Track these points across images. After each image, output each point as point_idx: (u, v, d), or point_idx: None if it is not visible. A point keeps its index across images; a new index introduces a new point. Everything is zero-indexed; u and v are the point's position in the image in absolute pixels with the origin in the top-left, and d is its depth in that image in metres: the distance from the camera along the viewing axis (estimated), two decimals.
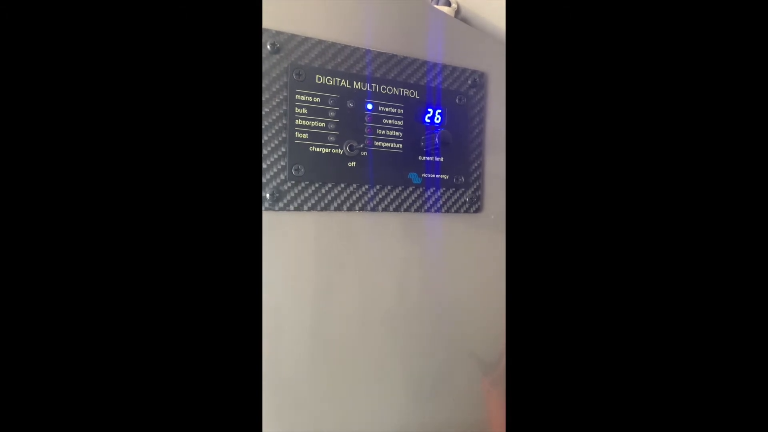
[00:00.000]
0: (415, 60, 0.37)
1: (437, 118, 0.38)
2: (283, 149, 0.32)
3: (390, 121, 0.36)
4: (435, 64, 0.38)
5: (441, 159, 0.38)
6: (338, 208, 0.35)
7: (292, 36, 0.32)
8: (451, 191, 0.39)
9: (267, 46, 0.32)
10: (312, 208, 0.33)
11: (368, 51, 0.35)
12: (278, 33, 0.32)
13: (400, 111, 0.37)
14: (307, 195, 0.33)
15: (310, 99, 0.33)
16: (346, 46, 0.34)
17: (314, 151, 0.33)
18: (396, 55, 0.36)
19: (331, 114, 0.34)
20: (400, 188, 0.37)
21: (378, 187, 0.36)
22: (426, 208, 0.38)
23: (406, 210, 0.37)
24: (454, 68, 0.39)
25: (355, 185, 0.35)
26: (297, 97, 0.33)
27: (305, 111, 0.33)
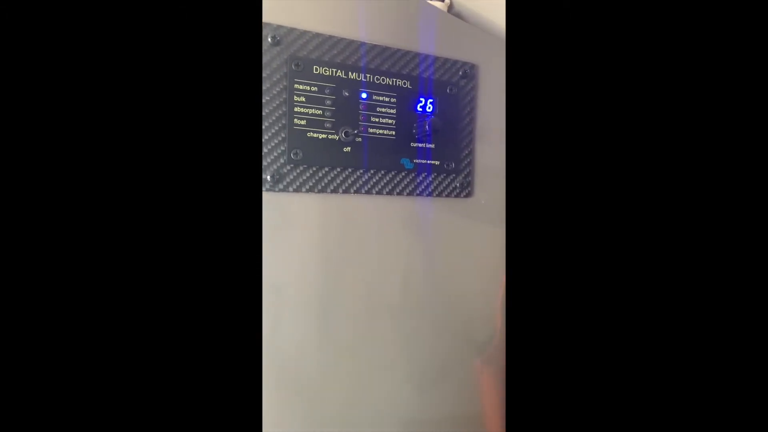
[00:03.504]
0: (407, 52, 0.40)
1: (429, 107, 0.41)
2: (283, 135, 0.35)
3: (383, 110, 0.39)
4: (427, 56, 0.41)
5: (432, 146, 0.41)
6: (334, 191, 0.37)
7: (292, 29, 0.35)
8: (442, 177, 0.42)
9: (268, 39, 0.34)
10: (310, 190, 0.36)
11: (363, 43, 0.38)
12: (278, 27, 0.34)
13: (393, 100, 0.39)
14: (305, 178, 0.36)
15: (308, 88, 0.36)
16: (342, 39, 0.37)
17: (312, 137, 0.36)
18: (390, 48, 0.39)
19: (328, 102, 0.36)
20: (393, 173, 0.39)
21: (372, 171, 0.38)
22: (418, 192, 0.41)
23: (399, 194, 0.40)
24: (446, 60, 0.42)
25: (350, 169, 0.37)
26: (296, 86, 0.35)
27: (303, 99, 0.35)
